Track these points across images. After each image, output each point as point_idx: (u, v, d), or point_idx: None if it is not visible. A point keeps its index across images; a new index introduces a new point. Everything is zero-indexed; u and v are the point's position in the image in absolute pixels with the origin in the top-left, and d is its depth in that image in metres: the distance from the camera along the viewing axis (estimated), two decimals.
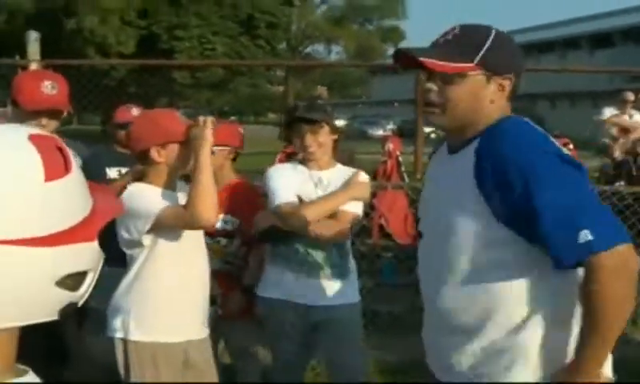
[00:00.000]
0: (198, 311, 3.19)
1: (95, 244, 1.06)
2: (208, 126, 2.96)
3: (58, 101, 3.37)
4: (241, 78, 33.35)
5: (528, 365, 2.06)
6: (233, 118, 62.92)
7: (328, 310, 3.51)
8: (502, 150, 1.98)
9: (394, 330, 5.53)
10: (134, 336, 3.06)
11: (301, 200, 3.45)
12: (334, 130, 3.57)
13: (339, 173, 3.58)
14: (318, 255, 3.49)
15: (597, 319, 1.91)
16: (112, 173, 4.47)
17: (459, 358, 2.15)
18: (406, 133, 10.87)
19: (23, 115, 3.34)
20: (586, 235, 1.83)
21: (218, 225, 3.72)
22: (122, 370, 3.15)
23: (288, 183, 3.48)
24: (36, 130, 1.04)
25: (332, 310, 3.51)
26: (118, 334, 3.11)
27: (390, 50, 49.85)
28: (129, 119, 4.52)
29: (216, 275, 3.57)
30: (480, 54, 2.06)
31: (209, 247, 3.52)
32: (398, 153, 7.87)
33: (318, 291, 3.50)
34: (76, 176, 1.04)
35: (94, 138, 12.02)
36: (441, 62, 2.05)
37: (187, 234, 3.08)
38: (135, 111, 4.65)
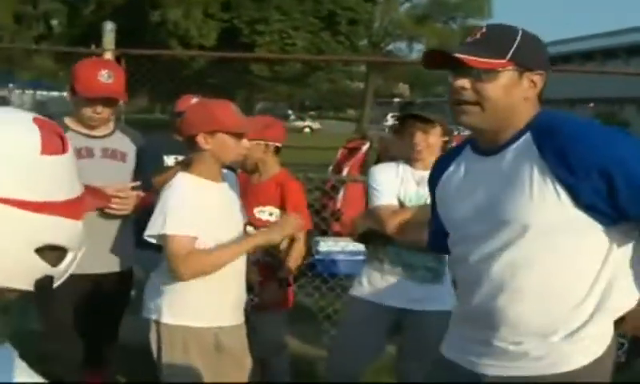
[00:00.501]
0: (230, 298, 3.21)
1: (79, 224, 1.12)
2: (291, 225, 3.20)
3: (114, 89, 3.45)
4: (319, 73, 33.51)
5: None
6: (312, 112, 63.53)
7: (419, 314, 3.48)
8: (579, 139, 1.99)
9: None
10: (166, 319, 3.12)
11: (402, 203, 3.44)
12: (446, 132, 3.54)
13: None
14: (413, 258, 3.46)
15: None
16: (169, 160, 4.59)
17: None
18: None
19: (80, 102, 3.46)
20: None
21: (263, 216, 3.79)
22: (154, 351, 3.22)
23: (389, 185, 3.50)
24: (37, 115, 1.14)
25: (423, 316, 3.46)
26: (153, 316, 3.18)
27: None
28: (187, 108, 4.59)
29: (257, 264, 3.65)
30: (511, 51, 2.06)
31: None
32: None
33: (410, 294, 3.48)
34: (70, 160, 1.12)
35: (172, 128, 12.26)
36: (476, 58, 2.04)
37: (222, 222, 3.13)
38: (195, 101, 4.69)
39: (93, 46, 8.49)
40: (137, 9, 28.27)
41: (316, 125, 51.69)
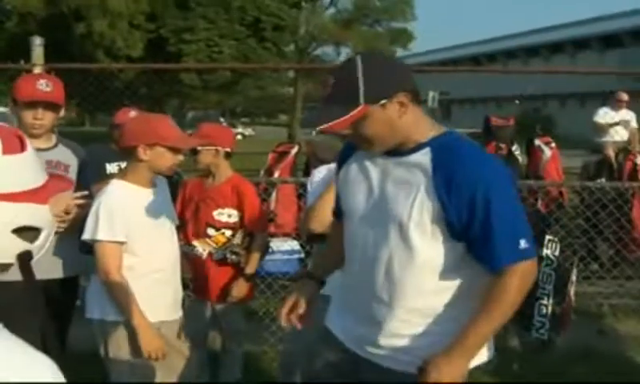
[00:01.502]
0: (169, 294, 3.46)
1: (45, 207, 1.37)
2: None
3: (52, 96, 3.68)
4: (248, 79, 33.59)
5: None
6: (244, 119, 63.26)
7: None
8: (461, 167, 2.23)
9: None
10: (111, 317, 3.32)
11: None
12: None
13: None
14: None
15: (500, 307, 2.26)
16: (112, 168, 4.80)
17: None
18: None
19: (21, 109, 3.68)
20: (523, 243, 2.23)
21: (223, 218, 4.07)
22: (102, 351, 3.42)
23: (319, 186, 3.69)
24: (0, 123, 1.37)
25: None
26: (97, 316, 3.38)
27: (399, 52, 49.93)
28: (126, 121, 4.83)
29: (224, 262, 4.09)
30: (361, 95, 2.19)
31: (214, 239, 3.92)
32: None
33: None
34: (30, 156, 1.36)
35: (106, 139, 12.21)
36: (338, 121, 2.21)
37: (153, 225, 3.36)
38: (133, 114, 4.93)
39: (22, 61, 8.51)
40: (61, 21, 27.84)
41: (248, 131, 51.60)
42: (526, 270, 2.27)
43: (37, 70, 8.24)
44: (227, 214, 4.17)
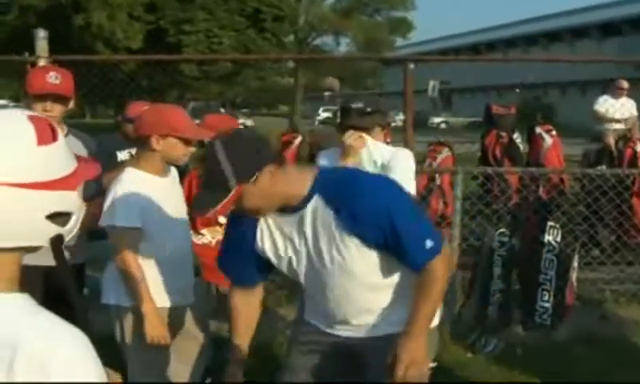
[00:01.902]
0: (181, 280, 3.51)
1: (75, 193, 1.42)
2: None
3: (61, 88, 3.78)
4: (248, 70, 33.57)
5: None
6: (244, 110, 63.26)
7: None
8: (359, 199, 2.53)
9: None
10: (126, 302, 3.39)
11: None
12: (384, 126, 3.88)
13: (383, 150, 3.81)
14: None
15: (433, 293, 2.63)
16: (123, 155, 4.91)
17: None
18: (416, 123, 10.86)
19: (32, 101, 3.76)
20: (429, 243, 2.56)
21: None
22: (118, 336, 3.50)
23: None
24: (33, 113, 1.43)
25: None
26: (113, 301, 3.46)
27: (399, 42, 49.95)
28: (139, 113, 4.95)
29: None
30: (232, 179, 2.42)
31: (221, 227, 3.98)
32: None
33: None
34: (62, 145, 1.41)
35: (107, 130, 12.29)
36: (220, 206, 2.49)
37: (166, 212, 3.43)
38: (146, 108, 5.02)
39: (27, 54, 8.56)
40: (60, 13, 27.85)
41: (249, 122, 51.58)
42: (442, 260, 2.61)
43: (41, 63, 8.28)
44: None
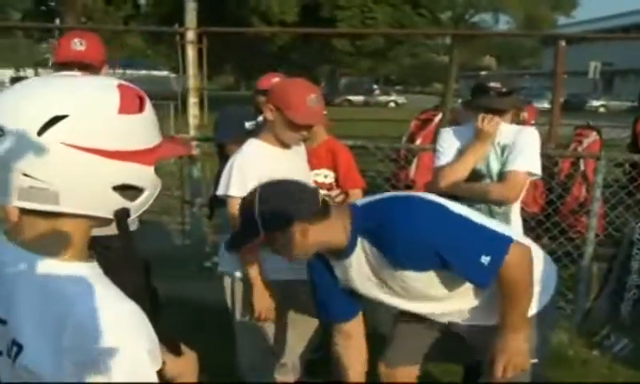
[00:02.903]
0: None
1: (150, 169, 1.41)
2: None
3: (86, 55, 3.64)
4: (401, 47, 33.29)
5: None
6: (398, 87, 63.13)
7: None
8: (400, 241, 2.52)
9: None
10: (240, 272, 3.46)
11: (480, 173, 3.62)
12: (516, 112, 3.88)
13: (509, 128, 3.69)
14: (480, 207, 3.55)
15: (515, 295, 2.59)
16: (248, 125, 4.92)
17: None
18: (573, 106, 10.26)
19: (58, 71, 3.71)
20: (485, 258, 2.48)
21: (319, 179, 4.06)
22: (229, 304, 3.59)
23: (451, 148, 3.69)
24: (124, 82, 1.42)
25: None
26: (227, 269, 3.54)
27: (561, 20, 47.90)
28: (266, 87, 5.01)
29: None
30: (260, 225, 2.53)
31: None
32: (532, 122, 7.75)
33: None
34: (146, 118, 1.40)
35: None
36: (249, 245, 2.71)
37: None
38: (277, 79, 5.06)
39: (177, 26, 8.89)
40: None
41: (402, 99, 51.41)
42: (508, 264, 2.51)
43: (189, 34, 8.57)
44: (323, 175, 4.16)
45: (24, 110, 1.28)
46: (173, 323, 4.44)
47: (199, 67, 8.55)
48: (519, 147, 3.56)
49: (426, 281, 2.65)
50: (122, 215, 1.39)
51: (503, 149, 3.61)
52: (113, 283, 1.38)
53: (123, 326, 1.29)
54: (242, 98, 24.22)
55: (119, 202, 1.37)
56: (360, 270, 2.70)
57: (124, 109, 1.34)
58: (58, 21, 16.77)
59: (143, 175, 1.39)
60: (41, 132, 1.27)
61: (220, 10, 23.29)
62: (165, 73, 30.25)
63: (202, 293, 5.19)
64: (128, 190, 1.37)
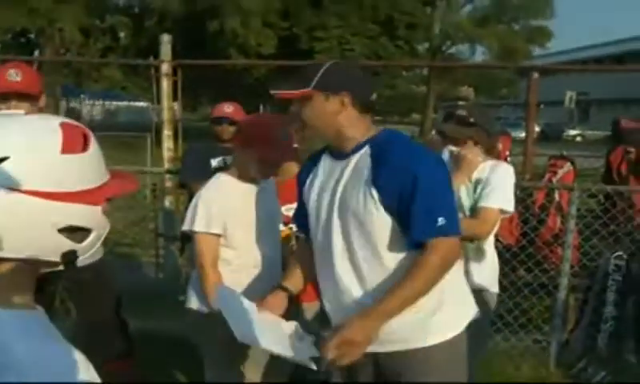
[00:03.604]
0: (263, 288, 3.43)
1: (98, 209, 1.35)
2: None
3: (21, 85, 3.59)
4: (379, 78, 33.55)
5: None
6: (377, 117, 63.38)
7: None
8: (397, 155, 2.55)
9: None
10: (206, 308, 3.36)
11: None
12: (484, 142, 3.69)
13: (484, 163, 3.67)
14: None
15: (421, 275, 2.51)
16: (215, 162, 4.96)
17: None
18: (550, 135, 10.27)
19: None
20: (441, 220, 2.48)
21: (291, 213, 4.01)
22: (197, 339, 3.55)
23: None
24: (68, 120, 1.36)
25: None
26: (193, 306, 3.45)
27: (536, 51, 48.42)
28: (223, 114, 5.00)
29: None
30: (315, 80, 2.56)
31: (281, 234, 3.85)
32: (507, 152, 7.78)
33: None
34: (91, 157, 1.34)
35: None
36: (287, 92, 2.63)
37: (254, 219, 3.38)
38: (229, 106, 5.09)
39: (152, 58, 8.89)
40: (196, 19, 28.83)
41: None
42: (446, 247, 2.51)
43: (164, 66, 8.55)
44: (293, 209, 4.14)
45: None
46: (147, 358, 4.38)
47: (174, 99, 8.52)
48: (493, 183, 3.56)
49: (377, 219, 2.56)
50: (69, 258, 1.34)
51: (476, 184, 3.59)
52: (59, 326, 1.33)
53: (60, 368, 1.23)
54: None
55: (66, 244, 1.32)
56: (341, 175, 2.66)
57: (67, 148, 1.29)
58: (37, 52, 16.78)
59: (90, 216, 1.34)
60: None
61: (198, 43, 23.39)
62: (144, 104, 30.30)
63: (176, 327, 5.11)
64: (75, 232, 1.32)
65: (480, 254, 3.62)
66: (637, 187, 6.97)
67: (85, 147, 1.33)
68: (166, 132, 8.70)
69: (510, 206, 3.56)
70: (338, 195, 2.64)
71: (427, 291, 2.53)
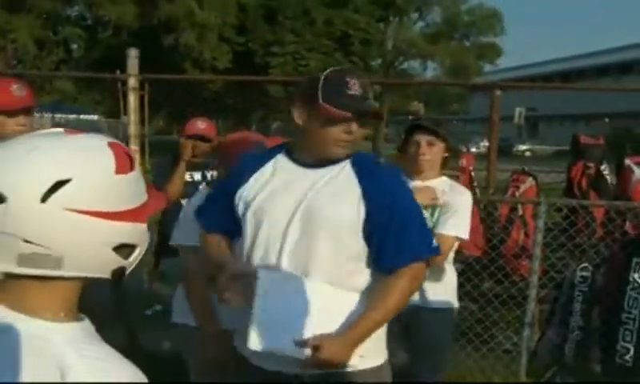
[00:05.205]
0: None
1: (144, 225, 1.40)
2: None
3: (28, 100, 3.58)
4: None
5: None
6: None
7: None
8: (382, 179, 2.58)
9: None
10: (193, 321, 3.36)
11: None
12: (448, 148, 3.82)
13: (443, 183, 3.79)
14: None
15: (396, 298, 2.51)
16: (197, 176, 5.13)
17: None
18: (501, 150, 10.47)
19: (3, 119, 3.50)
20: (415, 247, 2.53)
21: None
22: (184, 354, 3.55)
23: None
24: (111, 139, 1.40)
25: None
26: (179, 320, 3.49)
27: (487, 67, 49.26)
28: (197, 132, 5.09)
29: None
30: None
31: None
32: (471, 168, 7.94)
33: None
34: (137, 174, 1.40)
35: None
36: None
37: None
38: (203, 124, 5.19)
39: (118, 72, 8.84)
40: (151, 33, 28.66)
41: None
42: (415, 272, 2.54)
43: (131, 80, 8.52)
44: None
45: (24, 175, 1.26)
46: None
47: (140, 113, 8.49)
48: (452, 210, 3.65)
49: (348, 223, 2.53)
50: (119, 274, 1.39)
51: (433, 208, 3.68)
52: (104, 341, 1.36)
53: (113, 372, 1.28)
54: (174, 143, 24.15)
55: (116, 261, 1.37)
56: (297, 180, 2.62)
57: (120, 169, 1.34)
58: None
59: (138, 232, 1.39)
60: (44, 198, 1.25)
61: (153, 56, 23.25)
62: (95, 117, 29.87)
63: (146, 343, 5.10)
64: (123, 248, 1.37)
65: (439, 271, 3.76)
66: (598, 202, 7.18)
67: (132, 166, 1.37)
68: (133, 146, 8.64)
69: (465, 234, 3.66)
70: (306, 203, 2.57)
71: (388, 318, 2.56)
